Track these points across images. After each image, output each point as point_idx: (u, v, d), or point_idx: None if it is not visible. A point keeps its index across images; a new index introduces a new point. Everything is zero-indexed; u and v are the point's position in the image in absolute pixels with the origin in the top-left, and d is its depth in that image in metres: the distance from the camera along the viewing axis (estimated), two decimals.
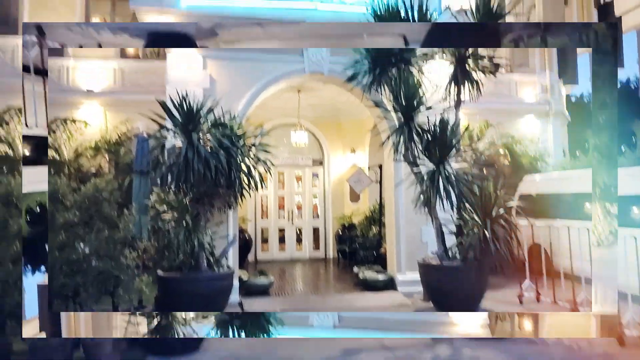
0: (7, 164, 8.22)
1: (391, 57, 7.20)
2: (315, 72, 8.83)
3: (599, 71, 8.46)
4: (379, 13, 6.82)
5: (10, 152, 8.75)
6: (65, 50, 10.35)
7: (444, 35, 7.14)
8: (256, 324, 6.57)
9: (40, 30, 7.72)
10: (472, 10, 6.90)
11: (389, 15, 6.66)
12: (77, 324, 5.87)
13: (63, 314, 5.77)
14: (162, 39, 7.83)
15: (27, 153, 8.13)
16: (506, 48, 11.21)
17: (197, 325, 6.16)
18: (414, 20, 6.59)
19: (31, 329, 5.55)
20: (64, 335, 5.59)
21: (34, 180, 6.91)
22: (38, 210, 6.77)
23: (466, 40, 6.96)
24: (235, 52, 8.50)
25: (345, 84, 8.05)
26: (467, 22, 6.97)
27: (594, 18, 10.64)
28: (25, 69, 8.04)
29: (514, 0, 10.63)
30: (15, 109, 9.02)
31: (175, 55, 8.40)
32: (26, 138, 8.23)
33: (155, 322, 6.13)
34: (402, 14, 6.68)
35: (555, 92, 12.04)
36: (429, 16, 6.69)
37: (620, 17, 9.76)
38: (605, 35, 8.10)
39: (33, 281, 5.93)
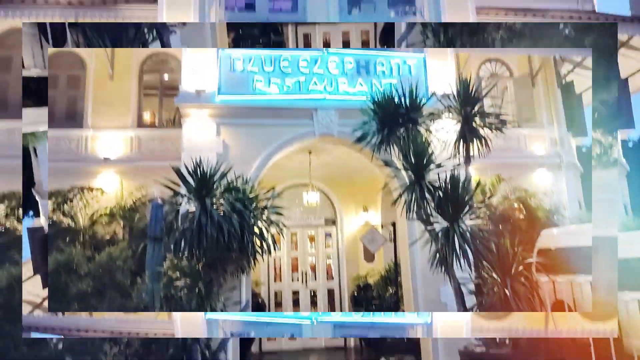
0: (70, 235, 9.04)
1: (398, 117, 7.37)
2: (325, 134, 9.14)
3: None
4: (376, 100, 7.46)
5: (72, 225, 9.51)
6: (85, 122, 10.83)
7: None
8: None
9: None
10: (454, 94, 7.57)
11: (385, 102, 7.33)
12: None
13: None
14: None
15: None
16: (512, 104, 11.61)
17: None
18: (406, 105, 7.29)
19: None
20: None
21: (34, 121, 7.90)
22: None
23: None
24: (247, 118, 8.90)
25: (355, 144, 8.23)
26: None
27: (558, 96, 11.96)
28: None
29: (489, 84, 11.30)
30: (78, 188, 10.00)
31: (190, 123, 8.77)
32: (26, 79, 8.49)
33: None
34: (396, 100, 7.32)
35: (565, 145, 12.07)
36: (418, 101, 7.36)
37: (627, 78, 10.06)
38: None
39: None
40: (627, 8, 10.67)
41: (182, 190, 7.38)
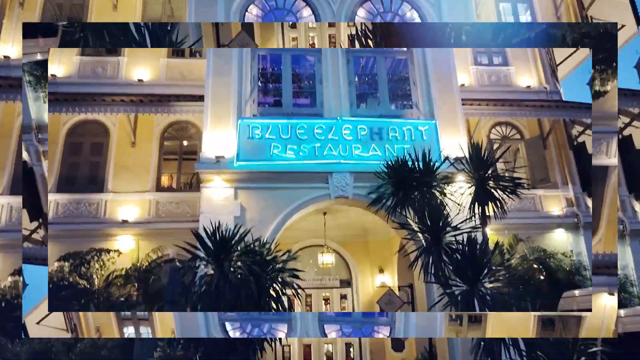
0: (86, 296, 9.27)
1: (412, 180, 7.50)
2: (340, 196, 9.31)
3: None
4: (390, 164, 7.77)
5: (88, 286, 9.73)
6: (106, 186, 11.18)
7: None
8: None
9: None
10: (466, 159, 7.75)
11: (399, 166, 7.61)
12: None
13: None
14: None
15: None
16: (525, 167, 11.77)
17: None
18: (419, 169, 7.52)
19: None
20: None
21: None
22: None
23: None
24: (265, 182, 9.13)
25: (371, 207, 8.32)
26: None
27: (571, 157, 12.21)
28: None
29: (500, 147, 11.64)
30: (96, 250, 10.35)
31: (209, 187, 9.01)
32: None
33: None
34: (410, 164, 7.57)
35: (581, 205, 12.00)
36: (431, 164, 7.60)
37: None
38: None
39: None
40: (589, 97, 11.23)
41: (201, 253, 7.43)
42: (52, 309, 6.03)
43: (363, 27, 10.67)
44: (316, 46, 13.54)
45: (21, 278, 8.50)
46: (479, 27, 10.63)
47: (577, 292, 9.85)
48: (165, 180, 11.86)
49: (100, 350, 6.01)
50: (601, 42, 10.34)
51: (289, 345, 11.64)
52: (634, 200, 11.78)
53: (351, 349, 11.99)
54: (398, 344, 11.61)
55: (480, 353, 6.75)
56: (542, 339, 6.38)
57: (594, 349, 6.60)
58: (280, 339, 7.31)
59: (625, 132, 11.93)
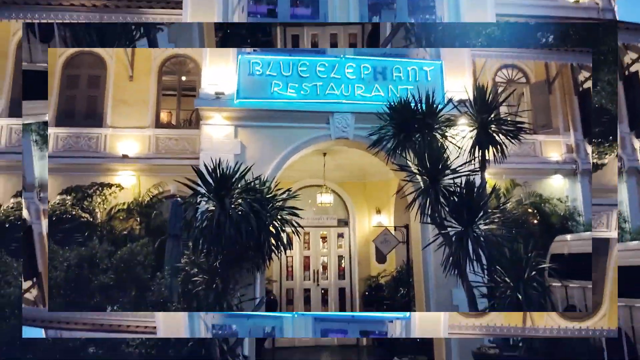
0: (89, 229, 9.44)
1: (414, 122, 7.46)
2: (341, 137, 9.28)
3: None
4: (393, 105, 7.62)
5: (90, 219, 9.92)
6: (105, 121, 11.09)
7: None
8: None
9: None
10: (470, 101, 7.63)
11: (401, 107, 7.48)
12: None
13: None
14: None
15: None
16: (528, 110, 11.60)
17: None
18: (422, 111, 7.42)
19: None
20: None
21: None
22: None
23: None
24: (265, 120, 9.07)
25: (371, 148, 8.33)
26: None
27: (575, 103, 11.90)
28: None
29: (506, 92, 11.23)
30: (97, 184, 10.42)
31: (209, 125, 8.95)
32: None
33: None
34: (413, 105, 7.46)
35: (581, 151, 12.01)
36: (434, 106, 7.48)
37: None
38: None
39: None
40: None
41: (201, 189, 7.54)
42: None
43: None
44: None
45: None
46: None
47: (568, 236, 10.13)
48: (164, 117, 11.78)
49: (137, 257, 6.40)
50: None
51: (292, 257, 13.08)
52: (634, 138, 11.62)
53: (342, 260, 13.40)
54: (381, 257, 12.68)
55: (449, 266, 7.05)
56: (501, 253, 6.72)
57: (543, 265, 6.98)
58: (285, 249, 7.73)
59: (632, 69, 11.51)
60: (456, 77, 9.75)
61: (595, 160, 8.75)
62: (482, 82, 8.47)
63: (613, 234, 7.60)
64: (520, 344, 6.56)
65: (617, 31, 10.27)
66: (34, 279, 6.12)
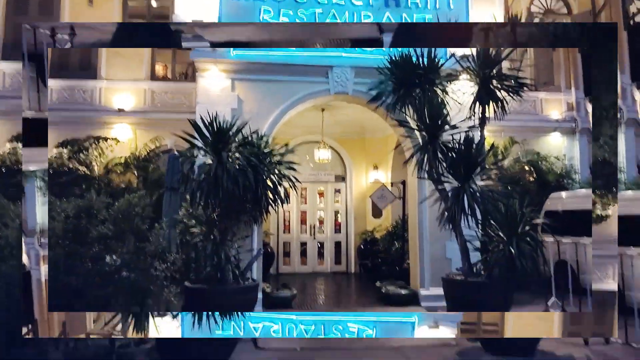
0: (86, 182, 9.51)
1: (415, 77, 7.33)
2: (340, 92, 9.07)
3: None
4: (394, 59, 7.31)
5: (88, 172, 9.91)
6: (99, 74, 10.86)
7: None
8: None
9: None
10: (473, 56, 7.38)
11: (402, 62, 7.24)
12: None
13: None
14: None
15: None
16: (531, 67, 11.36)
17: None
18: (424, 65, 7.24)
19: None
20: None
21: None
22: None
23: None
24: (262, 74, 8.86)
25: (370, 103, 8.23)
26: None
27: (579, 61, 11.59)
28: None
29: (542, 20, 10.72)
30: (94, 138, 10.37)
31: (205, 77, 8.77)
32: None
33: None
34: (414, 60, 7.24)
35: (581, 110, 11.94)
36: (436, 61, 7.25)
37: None
38: None
39: None
40: None
41: (199, 142, 7.49)
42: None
43: None
44: None
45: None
46: None
47: (563, 193, 10.23)
48: (159, 70, 11.54)
49: (134, 208, 6.47)
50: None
51: (289, 212, 13.28)
52: (635, 89, 11.46)
53: (339, 215, 13.68)
54: (377, 212, 12.98)
55: (444, 220, 7.21)
56: (496, 208, 6.87)
57: (537, 220, 7.13)
58: (282, 203, 7.68)
59: (637, 19, 11.19)
60: (484, 5, 8.71)
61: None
62: (515, 11, 7.62)
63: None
64: (483, 272, 7.06)
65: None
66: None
